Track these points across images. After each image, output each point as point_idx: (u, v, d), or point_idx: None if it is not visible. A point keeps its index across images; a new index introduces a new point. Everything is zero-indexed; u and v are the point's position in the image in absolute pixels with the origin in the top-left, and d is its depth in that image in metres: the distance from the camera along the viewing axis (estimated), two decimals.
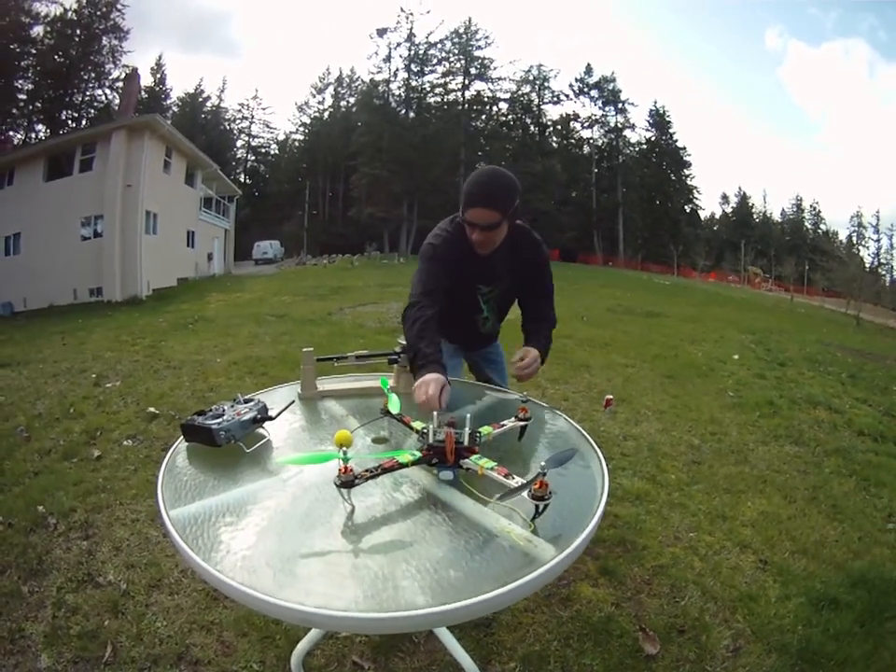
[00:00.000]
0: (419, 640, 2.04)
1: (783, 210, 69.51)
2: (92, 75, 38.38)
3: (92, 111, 38.82)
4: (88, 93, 38.95)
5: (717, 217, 70.65)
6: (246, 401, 1.35)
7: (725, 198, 70.65)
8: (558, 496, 1.02)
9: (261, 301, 14.46)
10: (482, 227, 1.83)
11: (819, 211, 67.73)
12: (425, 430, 1.25)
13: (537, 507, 1.01)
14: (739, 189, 75.72)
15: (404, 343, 1.63)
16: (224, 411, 1.30)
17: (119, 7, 38.08)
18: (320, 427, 1.45)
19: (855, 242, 63.43)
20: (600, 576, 2.51)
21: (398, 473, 1.17)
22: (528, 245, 2.08)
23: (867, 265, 54.10)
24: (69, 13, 35.98)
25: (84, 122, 37.25)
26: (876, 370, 9.32)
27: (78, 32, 36.70)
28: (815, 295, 39.59)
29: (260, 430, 1.31)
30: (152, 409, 4.67)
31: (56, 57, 35.34)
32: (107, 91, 39.31)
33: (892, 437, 5.08)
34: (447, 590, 0.85)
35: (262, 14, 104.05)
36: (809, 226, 66.82)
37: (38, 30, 34.47)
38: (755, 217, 68.45)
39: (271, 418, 1.32)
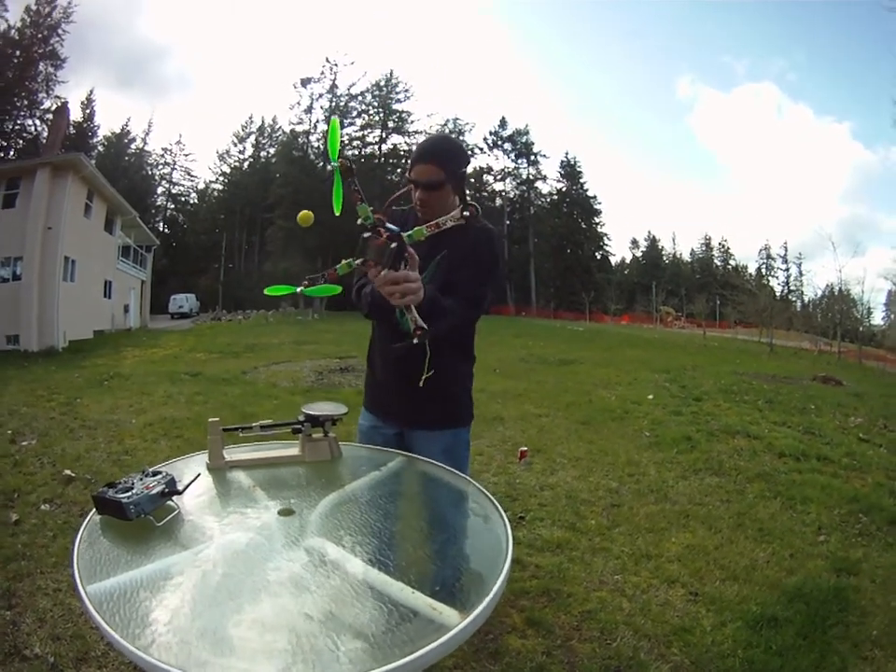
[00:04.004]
0: None
1: (692, 250, 74.08)
2: (25, 102, 37.47)
3: (21, 142, 37.84)
4: (19, 122, 38.15)
5: (627, 261, 74.48)
6: (155, 474, 1.34)
7: (635, 242, 74.65)
8: (462, 559, 1.05)
9: (176, 358, 14.37)
10: (423, 184, 1.77)
11: (728, 248, 72.53)
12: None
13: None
14: (649, 233, 79.75)
15: (307, 412, 1.63)
16: (133, 484, 1.28)
17: (59, 31, 37.31)
18: (228, 499, 1.44)
19: (764, 273, 67.52)
20: (527, 627, 2.52)
21: (308, 545, 1.18)
22: (474, 230, 1.74)
23: (777, 294, 57.36)
24: (12, 31, 35.03)
25: (12, 153, 36.35)
26: (793, 392, 9.86)
27: (18, 53, 35.69)
28: (727, 328, 41.60)
29: (170, 503, 1.30)
30: (68, 471, 4.53)
31: None
32: (37, 122, 38.54)
33: (814, 454, 5.36)
34: (354, 661, 0.86)
35: (196, 56, 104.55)
36: (719, 263, 70.94)
37: None
38: (665, 258, 72.31)
39: (178, 492, 1.31)
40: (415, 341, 1.36)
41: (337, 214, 1.42)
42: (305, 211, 1.48)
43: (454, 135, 55.51)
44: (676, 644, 2.41)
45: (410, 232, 1.40)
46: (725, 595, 2.82)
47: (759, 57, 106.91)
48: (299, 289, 1.42)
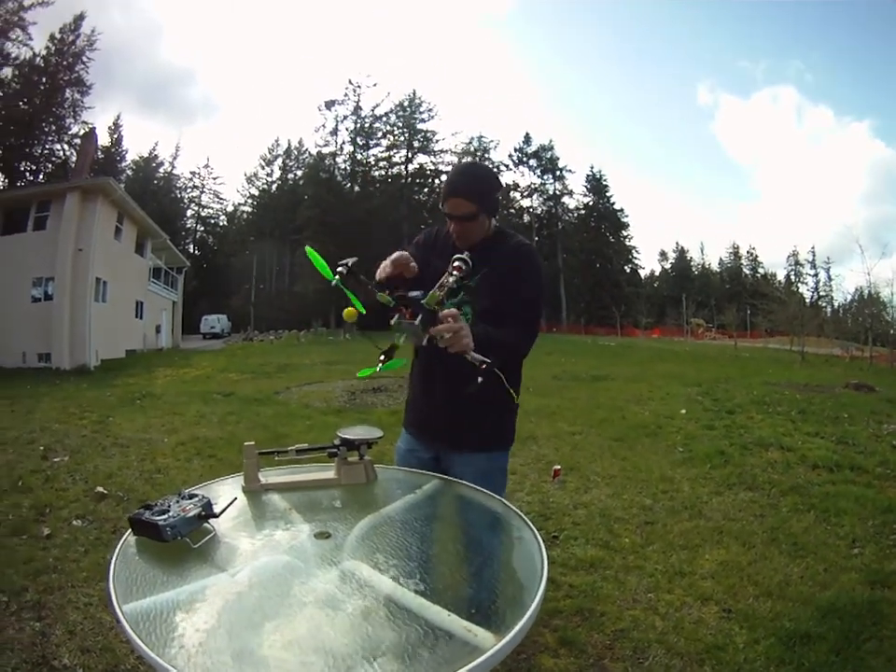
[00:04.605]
0: None
1: (721, 259, 72.82)
2: (53, 127, 38.45)
3: (50, 166, 38.81)
4: (47, 147, 39.04)
5: (657, 273, 73.78)
6: (191, 496, 1.35)
7: (664, 254, 73.76)
8: (497, 581, 1.05)
9: (208, 378, 14.46)
10: (457, 217, 1.83)
11: (756, 256, 70.99)
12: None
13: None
14: (677, 244, 79.09)
15: (343, 435, 1.65)
16: (170, 506, 1.29)
17: (84, 59, 38.33)
18: (264, 521, 1.46)
19: (793, 280, 66.08)
20: (560, 646, 2.50)
21: (344, 567, 1.20)
22: (512, 247, 1.92)
23: (807, 300, 56.27)
24: (37, 59, 36.04)
25: (41, 177, 37.22)
26: (826, 401, 9.67)
27: (44, 80, 36.71)
28: (758, 337, 40.95)
29: (206, 525, 1.31)
30: (101, 488, 4.61)
31: (21, 104, 35.20)
32: (65, 147, 39.39)
33: (848, 464, 5.26)
34: None
35: (221, 79, 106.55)
36: (748, 271, 69.51)
37: (7, 72, 34.43)
38: (694, 269, 71.18)
39: (215, 515, 1.32)
40: (480, 379, 1.44)
41: (363, 313, 1.57)
42: (349, 309, 1.57)
43: (479, 153, 56.11)
44: (708, 662, 2.38)
45: (425, 299, 1.47)
46: (758, 612, 2.77)
47: (776, 60, 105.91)
48: (378, 368, 1.59)
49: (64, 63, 37.79)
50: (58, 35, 37.81)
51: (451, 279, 1.51)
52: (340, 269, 1.52)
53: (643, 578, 3.18)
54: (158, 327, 27.24)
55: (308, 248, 1.56)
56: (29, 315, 17.07)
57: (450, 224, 1.88)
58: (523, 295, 1.84)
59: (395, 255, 1.65)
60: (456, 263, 1.52)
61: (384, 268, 1.65)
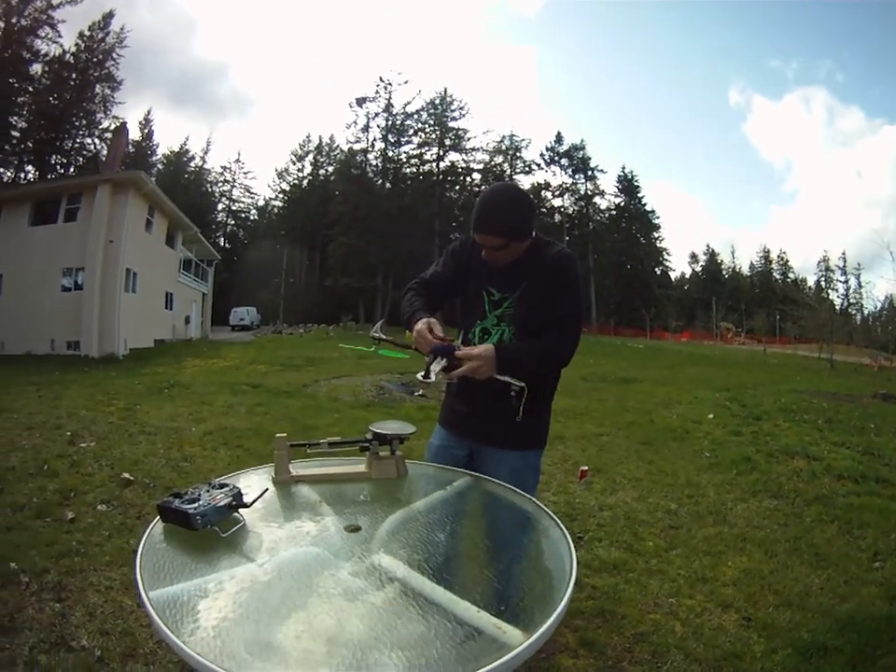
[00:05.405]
0: None
1: (751, 263, 71.48)
2: (84, 122, 39.06)
3: (81, 159, 39.30)
4: (77, 141, 39.61)
5: (687, 276, 72.71)
6: (221, 486, 1.37)
7: (694, 257, 72.73)
8: (526, 579, 1.05)
9: (237, 369, 14.57)
10: (488, 248, 1.86)
11: (787, 260, 69.62)
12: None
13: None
14: (707, 246, 78.06)
15: (375, 430, 1.67)
16: (200, 495, 1.31)
17: (114, 56, 39.05)
18: (294, 513, 1.47)
19: (824, 286, 64.79)
20: (580, 647, 2.50)
21: (373, 561, 1.21)
22: (552, 257, 1.90)
23: (837, 307, 55.17)
24: (67, 55, 36.76)
25: (72, 170, 37.85)
26: (853, 410, 9.51)
27: (74, 76, 37.43)
28: (787, 344, 40.32)
29: (235, 515, 1.32)
30: (126, 475, 4.66)
31: (51, 99, 35.94)
32: (96, 141, 39.99)
33: (873, 476, 5.18)
34: None
35: (252, 75, 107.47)
36: (778, 276, 68.25)
37: (37, 68, 35.22)
38: (724, 272, 69.96)
39: (245, 505, 1.33)
40: (513, 401, 1.69)
41: (407, 357, 1.74)
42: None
43: (510, 152, 55.89)
44: (726, 670, 2.37)
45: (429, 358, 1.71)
46: (778, 622, 2.75)
47: (807, 59, 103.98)
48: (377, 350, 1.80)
49: (94, 59, 38.34)
50: (87, 33, 38.50)
51: (437, 366, 1.69)
52: (374, 341, 1.92)
53: (665, 582, 3.16)
54: (187, 317, 27.44)
55: (340, 345, 1.76)
56: (58, 304, 17.44)
57: (480, 249, 1.91)
58: (563, 306, 1.87)
59: (422, 345, 1.75)
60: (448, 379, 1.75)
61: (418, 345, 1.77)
